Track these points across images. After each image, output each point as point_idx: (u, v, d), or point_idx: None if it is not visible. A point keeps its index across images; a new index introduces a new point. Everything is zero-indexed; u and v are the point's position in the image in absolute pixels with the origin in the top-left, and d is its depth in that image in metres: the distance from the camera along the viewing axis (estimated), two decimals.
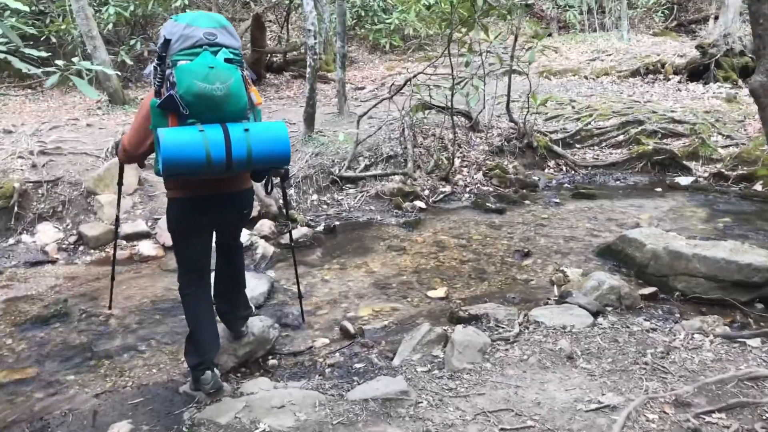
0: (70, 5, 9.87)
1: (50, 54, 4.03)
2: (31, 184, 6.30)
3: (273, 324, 4.26)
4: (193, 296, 3.54)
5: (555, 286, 5.07)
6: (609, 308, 4.44)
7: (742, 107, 9.75)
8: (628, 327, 4.12)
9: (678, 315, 4.44)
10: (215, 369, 3.43)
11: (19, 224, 6.06)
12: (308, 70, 7.82)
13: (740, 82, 11.22)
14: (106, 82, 9.67)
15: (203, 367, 3.37)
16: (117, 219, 4.48)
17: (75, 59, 3.81)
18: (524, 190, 7.70)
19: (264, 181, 3.65)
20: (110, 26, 10.77)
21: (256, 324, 4.13)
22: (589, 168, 8.61)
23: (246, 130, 3.05)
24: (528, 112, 8.48)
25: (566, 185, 8.14)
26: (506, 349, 3.86)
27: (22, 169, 6.46)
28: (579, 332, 4.05)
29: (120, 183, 4.20)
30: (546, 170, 8.56)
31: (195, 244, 3.49)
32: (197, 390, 3.47)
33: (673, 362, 3.56)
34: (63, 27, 10.21)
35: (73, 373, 3.92)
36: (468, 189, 7.71)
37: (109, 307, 4.58)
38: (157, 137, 2.94)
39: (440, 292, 5.01)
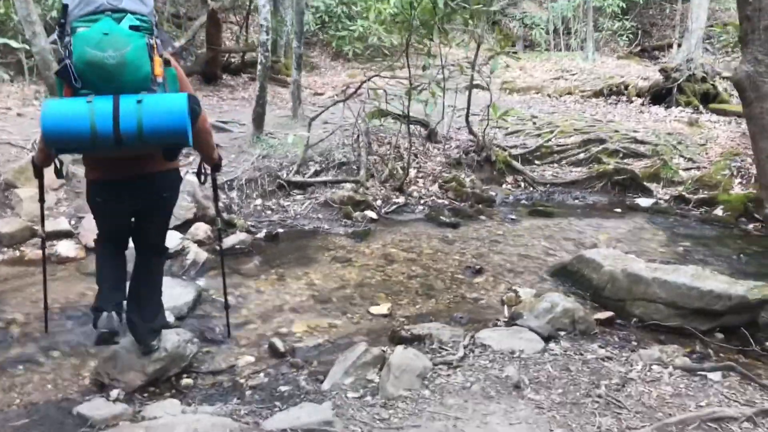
0: None
1: None
2: None
3: (191, 338, 3.83)
4: (103, 252, 3.50)
5: (506, 306, 4.74)
6: (562, 333, 4.11)
7: (704, 131, 9.63)
8: (581, 354, 3.81)
9: (635, 343, 4.13)
10: (114, 313, 3.22)
11: None
12: (259, 67, 7.41)
13: (701, 107, 11.15)
14: (46, 72, 9.05)
15: (100, 310, 3.23)
16: (43, 241, 4.14)
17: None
18: (480, 205, 7.37)
19: (196, 169, 3.54)
20: (54, 13, 10.18)
21: (171, 338, 3.69)
22: (548, 185, 8.33)
23: (139, 101, 2.80)
24: (488, 125, 8.18)
25: (524, 202, 7.84)
26: (448, 375, 3.50)
27: None
28: (528, 358, 3.72)
29: (41, 199, 3.76)
30: (504, 186, 8.25)
31: (111, 224, 3.42)
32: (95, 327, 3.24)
33: (629, 396, 3.24)
34: (2, 11, 9.60)
35: None
36: (422, 201, 7.35)
37: (46, 330, 3.99)
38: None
39: (383, 308, 4.62)
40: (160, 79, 2.95)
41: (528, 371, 3.53)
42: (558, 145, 9.08)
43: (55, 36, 2.97)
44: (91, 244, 5.32)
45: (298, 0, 8.59)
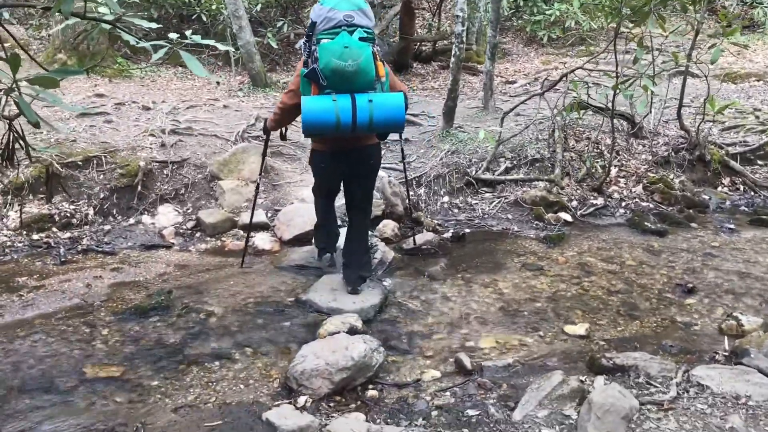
0: None
1: (161, 26, 3.71)
2: (157, 164, 6.17)
3: (378, 347, 3.71)
4: (323, 201, 4.73)
5: (725, 336, 4.12)
6: None
7: None
8: None
9: None
10: (333, 253, 4.96)
11: (141, 204, 5.93)
12: (452, 59, 7.17)
13: None
14: (249, 64, 9.58)
15: (325, 251, 4.94)
16: (257, 187, 5.27)
17: (187, 36, 3.42)
18: (691, 210, 6.59)
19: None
20: (258, 7, 10.70)
21: (359, 346, 3.60)
22: None
23: (370, 100, 3.76)
24: (703, 119, 7.29)
25: (743, 208, 6.91)
26: (658, 419, 3.06)
27: (150, 148, 6.36)
28: (758, 407, 3.15)
29: (264, 155, 5.14)
30: (719, 188, 7.32)
31: (328, 183, 4.54)
32: (319, 260, 5.02)
33: None
34: (213, 6, 10.26)
35: (159, 377, 3.59)
36: (624, 203, 6.70)
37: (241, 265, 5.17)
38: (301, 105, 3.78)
39: (580, 328, 4.21)
40: (382, 79, 3.91)
41: (758, 424, 2.99)
42: None
43: (301, 42, 3.94)
44: (286, 237, 5.53)
45: None
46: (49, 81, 2.77)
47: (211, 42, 3.40)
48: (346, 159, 4.23)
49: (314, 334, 4.01)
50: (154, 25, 3.40)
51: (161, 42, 3.26)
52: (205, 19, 10.71)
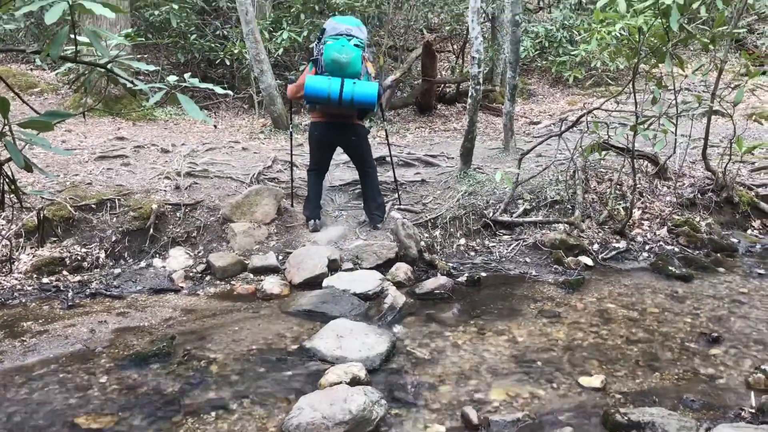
0: None
1: (159, 69, 3.70)
2: (170, 207, 6.14)
3: (379, 399, 3.55)
4: (312, 175, 6.30)
5: (752, 391, 3.86)
6: None
7: None
8: None
9: None
10: (317, 219, 6.41)
11: (153, 247, 5.89)
12: (469, 101, 7.09)
13: None
14: (271, 107, 9.63)
15: (310, 218, 6.38)
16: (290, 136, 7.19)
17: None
18: (718, 255, 6.31)
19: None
20: (281, 51, 10.80)
21: (358, 398, 3.45)
22: None
23: (354, 83, 5.50)
24: (730, 160, 7.05)
25: None
26: None
27: (165, 190, 6.34)
28: None
29: (290, 112, 7.34)
30: (748, 231, 7.02)
31: (319, 149, 6.21)
32: (308, 226, 6.47)
33: None
34: (236, 51, 10.38)
35: (152, 429, 3.47)
36: (647, 247, 6.45)
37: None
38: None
39: (596, 380, 3.99)
40: (365, 73, 5.65)
41: None
42: None
43: (314, 44, 5.83)
44: (296, 281, 5.43)
45: (514, 29, 8.15)
46: (41, 125, 2.74)
47: (209, 86, 3.36)
48: (333, 129, 5.97)
49: (316, 384, 3.87)
50: (151, 68, 3.37)
51: (159, 84, 3.22)
52: (228, 63, 10.85)
